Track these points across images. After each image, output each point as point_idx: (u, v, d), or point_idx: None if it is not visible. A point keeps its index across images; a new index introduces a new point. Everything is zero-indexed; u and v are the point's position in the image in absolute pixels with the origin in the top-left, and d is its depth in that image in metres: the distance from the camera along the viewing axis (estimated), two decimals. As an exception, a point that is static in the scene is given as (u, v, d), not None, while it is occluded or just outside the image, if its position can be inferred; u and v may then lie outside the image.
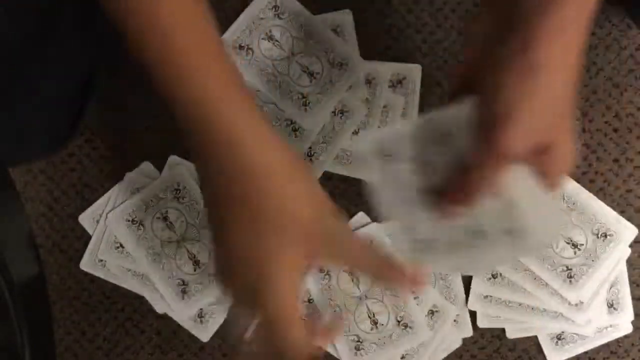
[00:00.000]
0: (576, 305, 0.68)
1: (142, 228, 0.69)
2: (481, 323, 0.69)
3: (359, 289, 0.69)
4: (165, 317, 0.71)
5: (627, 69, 0.71)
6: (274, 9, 0.67)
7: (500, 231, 0.49)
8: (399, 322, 0.68)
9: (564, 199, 0.69)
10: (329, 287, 0.69)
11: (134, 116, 0.71)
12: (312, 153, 0.68)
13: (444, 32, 0.70)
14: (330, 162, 0.69)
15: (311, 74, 0.67)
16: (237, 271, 0.48)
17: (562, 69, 0.43)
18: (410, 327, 0.68)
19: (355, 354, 0.68)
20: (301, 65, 0.67)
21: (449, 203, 0.49)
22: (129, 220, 0.69)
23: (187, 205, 0.69)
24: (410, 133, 0.50)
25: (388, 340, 0.68)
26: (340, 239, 0.49)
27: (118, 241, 0.69)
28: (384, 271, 0.50)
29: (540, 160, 0.46)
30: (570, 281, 0.68)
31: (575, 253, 0.69)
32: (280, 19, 0.67)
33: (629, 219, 0.69)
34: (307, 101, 0.67)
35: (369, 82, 0.69)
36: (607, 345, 0.69)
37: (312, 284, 0.68)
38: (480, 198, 0.47)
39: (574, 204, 0.69)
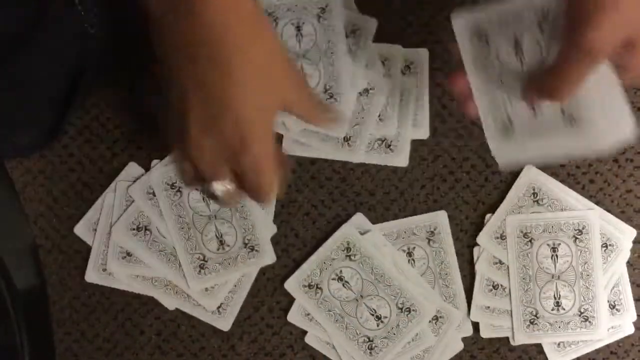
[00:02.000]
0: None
1: (149, 233, 0.69)
2: (484, 333, 0.69)
3: (352, 291, 0.69)
4: (165, 318, 0.71)
5: (627, 69, 0.71)
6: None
7: (564, 118, 0.50)
8: (400, 309, 0.68)
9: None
10: (324, 300, 0.69)
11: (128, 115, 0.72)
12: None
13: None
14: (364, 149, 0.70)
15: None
16: (217, 123, 0.50)
17: None
18: (413, 310, 0.68)
19: (371, 354, 0.68)
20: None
21: (537, 95, 0.50)
22: (133, 229, 0.69)
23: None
24: (507, 12, 0.51)
25: (397, 330, 0.68)
26: (296, 88, 0.54)
27: (124, 250, 0.69)
28: (319, 112, 0.58)
29: (623, 55, 0.45)
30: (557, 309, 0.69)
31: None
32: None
33: (628, 219, 0.69)
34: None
35: (382, 63, 0.70)
36: (607, 345, 0.69)
37: (307, 302, 0.69)
38: (567, 97, 0.48)
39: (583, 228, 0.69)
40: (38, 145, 0.70)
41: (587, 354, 0.69)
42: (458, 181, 0.71)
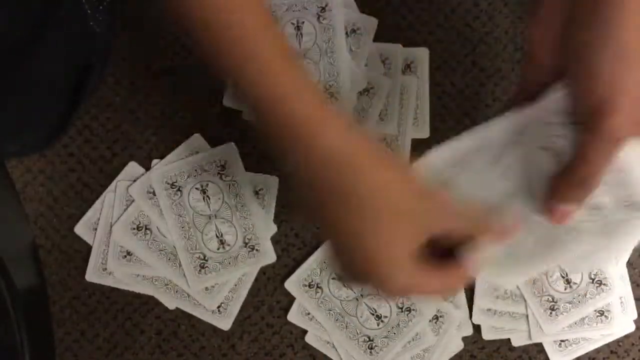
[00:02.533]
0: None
1: (149, 232, 0.69)
2: (486, 335, 0.69)
3: (353, 291, 0.69)
4: (165, 317, 0.71)
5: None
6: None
7: (620, 206, 0.48)
8: (400, 308, 0.68)
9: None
10: (324, 299, 0.69)
11: (127, 114, 0.72)
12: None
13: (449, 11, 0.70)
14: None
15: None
16: (355, 267, 0.48)
17: None
18: (413, 310, 0.68)
19: (371, 353, 0.68)
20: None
21: (559, 205, 0.48)
22: (134, 229, 0.69)
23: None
24: (489, 139, 0.50)
25: (397, 329, 0.68)
26: (439, 216, 0.49)
27: (125, 250, 0.69)
28: (482, 229, 0.50)
29: None
30: (550, 313, 0.68)
31: (565, 289, 0.69)
32: None
33: (629, 219, 0.69)
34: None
35: (382, 62, 0.70)
36: (607, 344, 0.69)
37: (307, 302, 0.69)
38: (592, 193, 0.46)
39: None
40: (43, 145, 0.70)
41: (587, 353, 0.69)
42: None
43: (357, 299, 0.69)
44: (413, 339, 0.69)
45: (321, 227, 0.49)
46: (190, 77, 0.72)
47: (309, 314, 0.69)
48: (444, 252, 0.50)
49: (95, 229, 0.70)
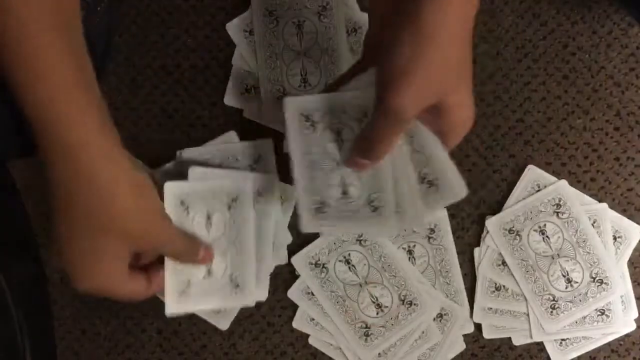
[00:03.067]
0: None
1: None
2: (487, 334, 0.69)
3: (357, 276, 0.69)
4: (166, 317, 0.71)
5: (628, 67, 0.71)
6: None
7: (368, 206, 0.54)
8: (402, 301, 0.69)
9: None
10: (328, 280, 0.69)
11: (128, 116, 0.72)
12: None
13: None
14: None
15: (379, 306, 0.69)
16: (78, 266, 0.52)
17: (453, 38, 0.45)
18: (415, 304, 0.68)
19: (366, 340, 0.68)
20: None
21: (356, 156, 0.52)
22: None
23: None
24: (331, 103, 0.54)
25: (395, 321, 0.68)
26: (163, 243, 0.55)
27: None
28: (192, 253, 0.58)
29: (433, 121, 0.49)
30: (551, 312, 0.68)
31: (566, 288, 0.69)
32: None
33: (630, 218, 0.69)
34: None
35: (354, 30, 0.70)
36: (608, 343, 0.69)
37: (310, 280, 0.69)
38: (382, 155, 0.51)
39: (584, 241, 0.69)
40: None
41: (588, 352, 0.69)
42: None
43: (360, 285, 0.69)
44: (420, 337, 0.69)
45: (56, 227, 0.53)
46: (191, 76, 0.72)
47: (313, 319, 0.69)
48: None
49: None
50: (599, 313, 0.68)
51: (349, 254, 0.69)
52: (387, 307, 0.69)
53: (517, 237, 0.69)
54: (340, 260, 0.69)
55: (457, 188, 0.53)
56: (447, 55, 0.45)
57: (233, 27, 0.70)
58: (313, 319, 0.69)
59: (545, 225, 0.69)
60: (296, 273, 0.69)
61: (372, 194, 0.53)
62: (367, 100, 0.50)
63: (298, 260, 0.69)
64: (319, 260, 0.69)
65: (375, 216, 0.53)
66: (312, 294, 0.69)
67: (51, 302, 0.71)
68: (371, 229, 0.65)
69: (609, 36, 0.71)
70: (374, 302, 0.69)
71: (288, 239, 0.69)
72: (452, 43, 0.46)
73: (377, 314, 0.69)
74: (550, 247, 0.68)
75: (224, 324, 0.70)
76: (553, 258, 0.69)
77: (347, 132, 0.54)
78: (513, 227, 0.69)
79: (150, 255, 0.57)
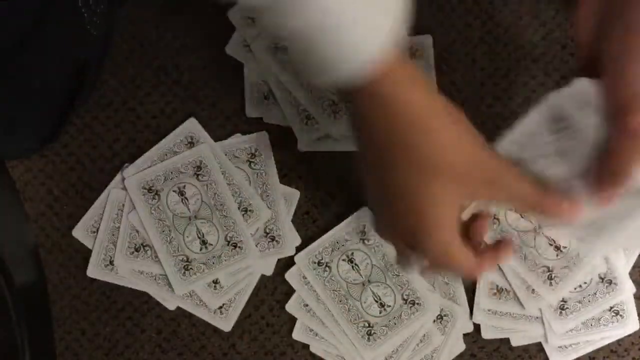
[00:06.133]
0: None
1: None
2: (486, 334, 0.69)
3: (360, 275, 0.69)
4: (165, 316, 0.71)
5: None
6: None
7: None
8: (405, 300, 0.69)
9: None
10: (331, 279, 0.69)
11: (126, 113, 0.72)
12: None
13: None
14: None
15: (382, 305, 0.69)
16: (398, 217, 0.50)
17: None
18: (417, 304, 0.68)
19: (369, 339, 0.68)
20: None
21: (600, 191, 0.49)
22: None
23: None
24: (537, 125, 0.52)
25: (398, 320, 0.69)
26: (498, 181, 0.49)
27: (132, 246, 0.70)
28: (554, 207, 0.50)
29: None
30: (550, 283, 0.68)
31: (557, 255, 0.68)
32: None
33: (629, 218, 0.70)
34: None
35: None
36: (607, 344, 0.69)
37: (314, 279, 0.69)
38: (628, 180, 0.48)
39: None
40: (39, 146, 0.70)
41: (587, 353, 0.69)
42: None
43: (363, 284, 0.69)
44: (422, 341, 0.69)
45: (376, 187, 0.50)
46: (190, 76, 0.72)
47: (307, 305, 0.69)
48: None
49: (94, 232, 0.70)
50: (613, 314, 0.68)
51: (352, 253, 0.69)
52: (390, 306, 0.69)
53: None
54: (343, 260, 0.69)
55: None
56: None
57: (232, 48, 0.71)
58: (312, 330, 0.69)
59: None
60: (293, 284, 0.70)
61: None
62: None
63: (301, 259, 0.69)
64: (322, 259, 0.69)
65: None
66: (309, 306, 0.69)
67: (50, 302, 0.71)
68: None
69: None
70: (377, 301, 0.69)
71: (297, 239, 0.70)
72: None
73: (380, 313, 0.69)
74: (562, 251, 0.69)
75: (226, 325, 0.70)
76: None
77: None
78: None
79: (483, 203, 0.51)
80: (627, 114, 0.44)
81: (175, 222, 0.69)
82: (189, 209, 0.69)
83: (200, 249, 0.69)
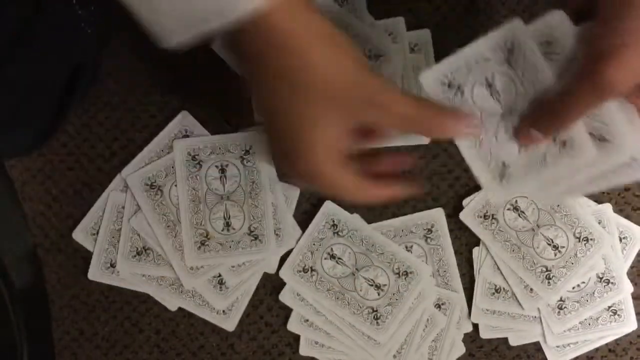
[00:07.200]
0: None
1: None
2: (484, 334, 0.69)
3: (347, 266, 0.69)
4: (164, 316, 0.71)
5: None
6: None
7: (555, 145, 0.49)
8: (397, 274, 0.69)
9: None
10: (321, 280, 0.69)
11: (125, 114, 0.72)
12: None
13: None
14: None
15: (378, 287, 0.69)
16: (278, 141, 0.50)
17: None
18: (410, 273, 0.69)
19: (377, 323, 0.69)
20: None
21: (530, 128, 0.49)
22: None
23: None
24: (472, 56, 0.51)
25: (398, 295, 0.69)
26: (378, 100, 0.48)
27: (134, 249, 0.70)
28: (436, 122, 0.49)
29: (635, 96, 0.46)
30: (548, 282, 0.68)
31: (555, 255, 0.69)
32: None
33: (626, 217, 0.70)
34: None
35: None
36: (605, 344, 0.69)
37: (303, 287, 0.69)
38: (563, 130, 0.47)
39: (558, 206, 0.69)
40: (36, 145, 0.70)
41: (585, 352, 0.69)
42: (457, 179, 0.71)
43: (353, 274, 0.69)
44: (427, 326, 0.69)
45: (266, 115, 0.50)
46: (189, 75, 0.72)
47: (307, 320, 0.69)
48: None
49: (94, 234, 0.70)
50: (611, 313, 0.69)
51: (332, 249, 0.69)
52: (386, 284, 0.69)
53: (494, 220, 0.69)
54: (325, 258, 0.69)
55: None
56: None
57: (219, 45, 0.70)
58: (307, 320, 0.69)
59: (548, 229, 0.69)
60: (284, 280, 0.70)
61: None
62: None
63: (285, 272, 0.69)
64: (305, 265, 0.69)
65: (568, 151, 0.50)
66: (310, 320, 0.70)
67: (49, 302, 0.71)
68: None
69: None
70: (372, 285, 0.69)
71: (297, 231, 0.70)
72: None
73: (379, 294, 0.69)
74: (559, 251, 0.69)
75: (230, 325, 0.70)
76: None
77: (498, 78, 0.51)
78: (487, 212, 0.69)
79: (373, 128, 0.50)
80: (605, 63, 0.43)
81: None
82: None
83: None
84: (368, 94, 0.48)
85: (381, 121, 0.49)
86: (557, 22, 0.49)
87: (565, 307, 0.68)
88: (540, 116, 0.49)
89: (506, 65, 0.51)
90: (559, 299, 0.68)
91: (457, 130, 0.50)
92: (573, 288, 0.69)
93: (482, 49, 0.51)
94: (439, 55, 0.69)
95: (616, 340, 0.70)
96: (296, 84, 0.47)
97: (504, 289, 0.69)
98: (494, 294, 0.69)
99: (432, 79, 0.53)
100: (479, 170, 0.52)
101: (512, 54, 0.50)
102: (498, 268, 0.69)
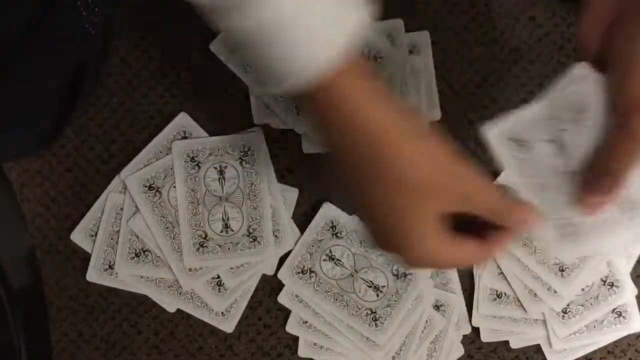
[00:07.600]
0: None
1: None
2: (485, 337, 0.69)
3: (346, 268, 0.69)
4: (162, 318, 0.71)
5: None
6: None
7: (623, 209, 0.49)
8: (396, 275, 0.69)
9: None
10: (320, 282, 0.69)
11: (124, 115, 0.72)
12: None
13: None
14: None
15: (377, 288, 0.69)
16: (383, 235, 0.49)
17: None
18: (409, 274, 0.69)
19: (376, 325, 0.68)
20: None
21: (588, 197, 0.49)
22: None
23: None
24: (541, 114, 0.50)
25: (397, 296, 0.69)
26: (475, 195, 0.48)
27: (133, 251, 0.69)
28: (512, 217, 0.49)
29: None
30: (562, 274, 0.68)
31: (378, 296, 0.69)
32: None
33: (626, 219, 0.70)
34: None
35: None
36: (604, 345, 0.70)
37: (302, 288, 0.69)
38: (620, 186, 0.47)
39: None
40: (38, 147, 0.70)
41: (585, 354, 0.69)
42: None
43: (352, 275, 0.69)
44: (425, 327, 0.69)
45: (359, 204, 0.50)
46: (188, 77, 0.72)
47: (306, 322, 0.69)
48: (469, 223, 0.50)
49: (92, 236, 0.70)
50: (615, 315, 0.69)
51: (330, 250, 0.69)
52: (385, 286, 0.69)
53: None
54: (324, 259, 0.69)
55: None
56: None
57: (217, 46, 0.70)
58: (306, 322, 0.69)
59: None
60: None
61: None
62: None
63: (284, 274, 0.69)
64: (304, 267, 0.69)
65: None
66: (308, 322, 0.70)
67: (47, 304, 0.71)
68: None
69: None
70: (370, 287, 0.69)
71: (296, 232, 0.70)
72: None
73: (378, 296, 0.69)
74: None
75: (229, 327, 0.70)
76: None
77: (567, 135, 0.50)
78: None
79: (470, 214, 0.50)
80: (634, 114, 0.44)
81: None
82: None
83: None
84: (467, 190, 0.48)
85: (472, 212, 0.49)
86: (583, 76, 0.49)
87: (569, 311, 0.68)
88: (597, 184, 0.49)
89: (572, 124, 0.50)
90: (572, 296, 0.68)
91: (527, 227, 0.50)
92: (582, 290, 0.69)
93: (551, 107, 0.51)
94: (438, 57, 0.70)
95: (615, 341, 0.69)
96: (384, 179, 0.46)
97: (505, 293, 0.69)
98: (495, 299, 0.69)
99: (498, 133, 0.52)
100: (548, 225, 0.51)
101: (581, 112, 0.50)
102: (498, 274, 0.69)
